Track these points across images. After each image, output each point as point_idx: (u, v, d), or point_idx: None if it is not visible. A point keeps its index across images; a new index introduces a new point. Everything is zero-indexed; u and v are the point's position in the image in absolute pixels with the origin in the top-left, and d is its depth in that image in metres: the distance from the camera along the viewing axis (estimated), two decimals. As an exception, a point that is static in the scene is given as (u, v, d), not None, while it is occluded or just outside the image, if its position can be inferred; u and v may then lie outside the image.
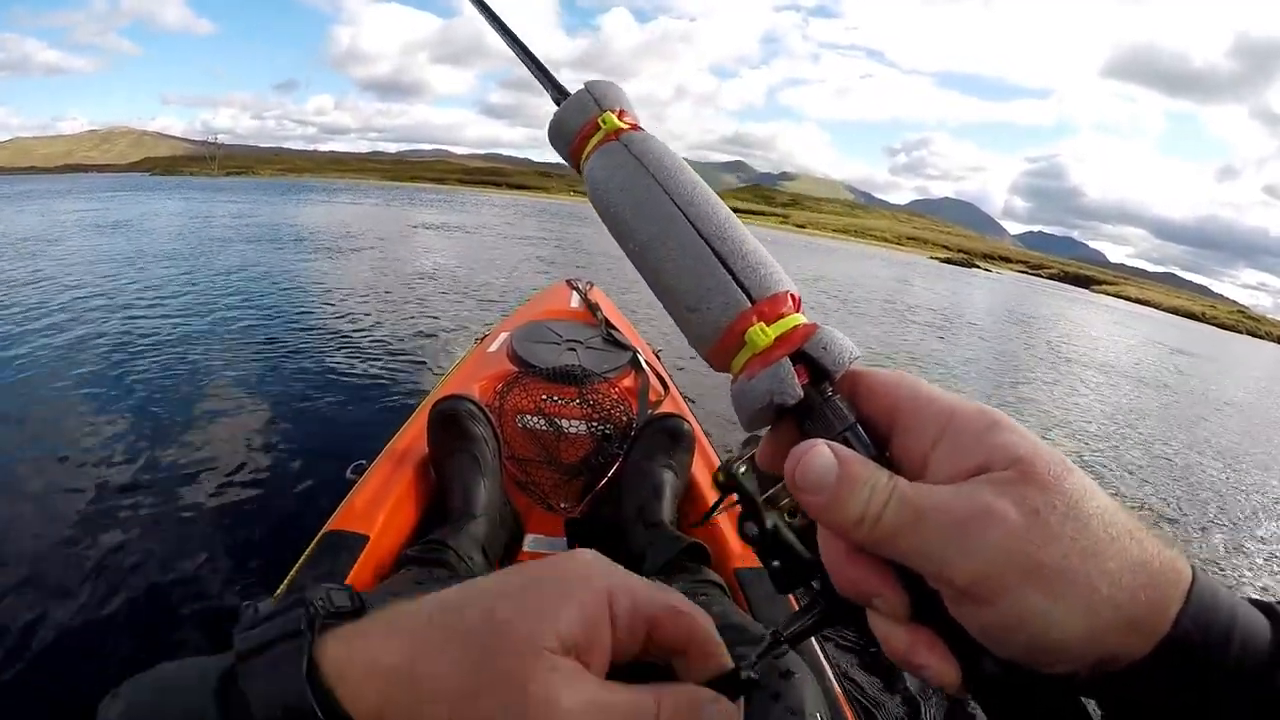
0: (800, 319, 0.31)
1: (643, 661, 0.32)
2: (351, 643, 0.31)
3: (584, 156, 0.38)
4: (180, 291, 6.45)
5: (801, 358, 0.29)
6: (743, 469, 0.33)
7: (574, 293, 2.88)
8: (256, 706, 0.29)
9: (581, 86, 0.39)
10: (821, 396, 0.29)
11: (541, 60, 0.43)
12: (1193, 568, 0.24)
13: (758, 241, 0.33)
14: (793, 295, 0.32)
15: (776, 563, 0.32)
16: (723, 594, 1.20)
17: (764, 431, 0.32)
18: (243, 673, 0.31)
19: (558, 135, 0.40)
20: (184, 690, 0.32)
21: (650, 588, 0.32)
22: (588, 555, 0.33)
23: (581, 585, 0.30)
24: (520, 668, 0.27)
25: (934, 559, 0.24)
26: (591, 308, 2.63)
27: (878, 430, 0.29)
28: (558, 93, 0.41)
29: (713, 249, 0.32)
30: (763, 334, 0.30)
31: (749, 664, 0.31)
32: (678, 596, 0.33)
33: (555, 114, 0.40)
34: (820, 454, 0.26)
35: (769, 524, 0.31)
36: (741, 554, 1.37)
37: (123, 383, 3.86)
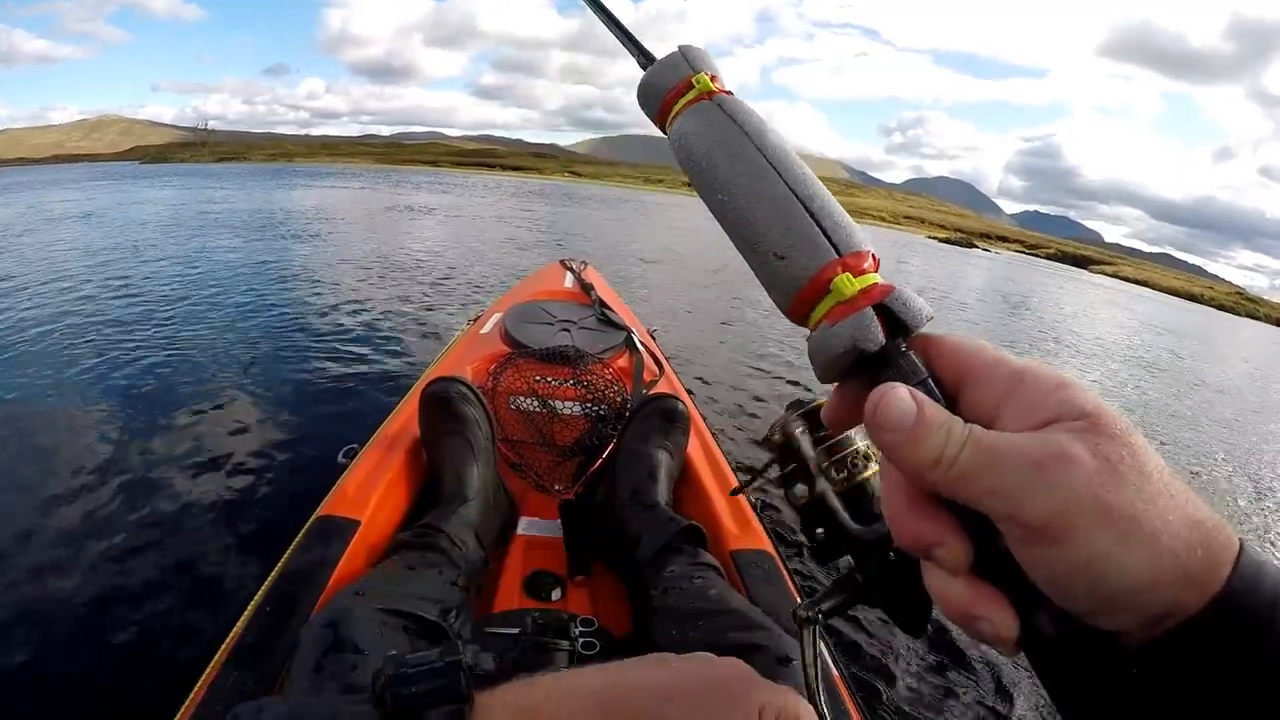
0: (879, 277, 0.32)
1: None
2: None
3: (673, 114, 0.39)
4: (165, 279, 6.38)
5: (882, 311, 0.30)
6: (800, 428, 0.35)
7: (568, 273, 2.86)
8: None
9: (675, 50, 0.41)
10: (897, 350, 0.30)
11: (626, 26, 0.44)
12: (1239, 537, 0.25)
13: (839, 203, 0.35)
14: (873, 255, 0.33)
15: (820, 530, 0.34)
16: (719, 576, 1.19)
17: (809, 406, 0.36)
18: None
19: (648, 94, 0.41)
20: None
21: (788, 696, 0.36)
22: (745, 670, 0.36)
23: (744, 701, 0.34)
24: None
25: (1009, 498, 0.24)
26: (585, 288, 2.61)
27: (946, 388, 0.30)
28: (643, 57, 0.43)
29: (802, 204, 0.33)
30: (849, 283, 0.31)
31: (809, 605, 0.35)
32: (800, 703, 0.37)
33: (646, 75, 0.42)
34: (901, 395, 0.27)
35: (818, 487, 0.34)
36: (738, 535, 1.36)
37: (109, 369, 3.83)
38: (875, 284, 0.31)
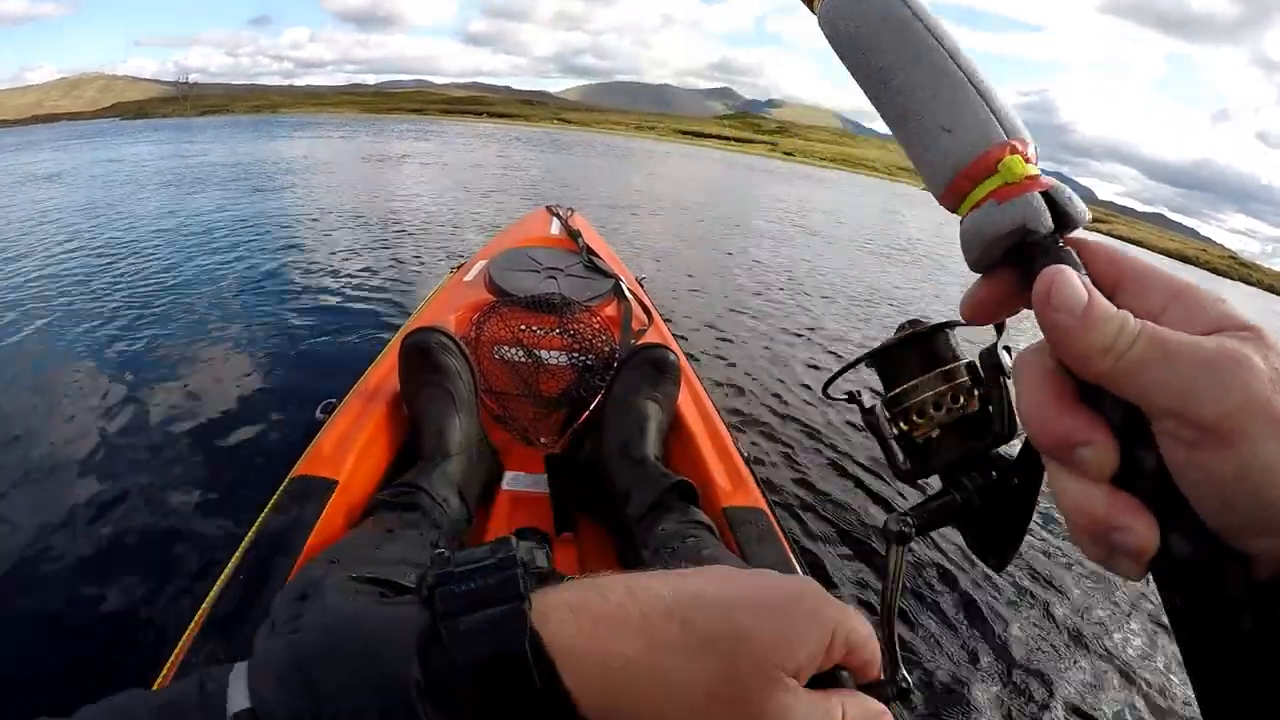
0: (1040, 170, 0.31)
1: None
2: (576, 622, 0.31)
3: None
4: (136, 235, 6.18)
5: (1048, 201, 0.29)
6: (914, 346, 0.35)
7: (554, 219, 2.78)
8: (466, 677, 0.29)
9: None
10: (1055, 243, 0.29)
11: None
12: None
13: None
14: (1034, 146, 0.32)
15: (908, 448, 0.35)
16: (712, 535, 1.15)
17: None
18: (448, 634, 0.30)
19: None
20: (377, 638, 0.31)
21: (855, 619, 0.34)
22: (816, 587, 0.35)
23: (818, 619, 0.33)
24: (762, 689, 0.30)
25: (1181, 394, 0.23)
26: (572, 234, 2.53)
27: (1101, 291, 0.27)
28: None
29: (970, 82, 0.32)
30: (1020, 165, 0.30)
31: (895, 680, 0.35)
32: (864, 624, 0.35)
33: None
34: (1074, 278, 0.26)
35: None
36: (731, 492, 1.32)
37: (77, 326, 3.75)
38: (1039, 175, 0.30)
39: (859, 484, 2.85)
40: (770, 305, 5.56)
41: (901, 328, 0.36)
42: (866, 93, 0.34)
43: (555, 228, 2.69)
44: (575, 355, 1.74)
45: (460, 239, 6.67)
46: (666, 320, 2.17)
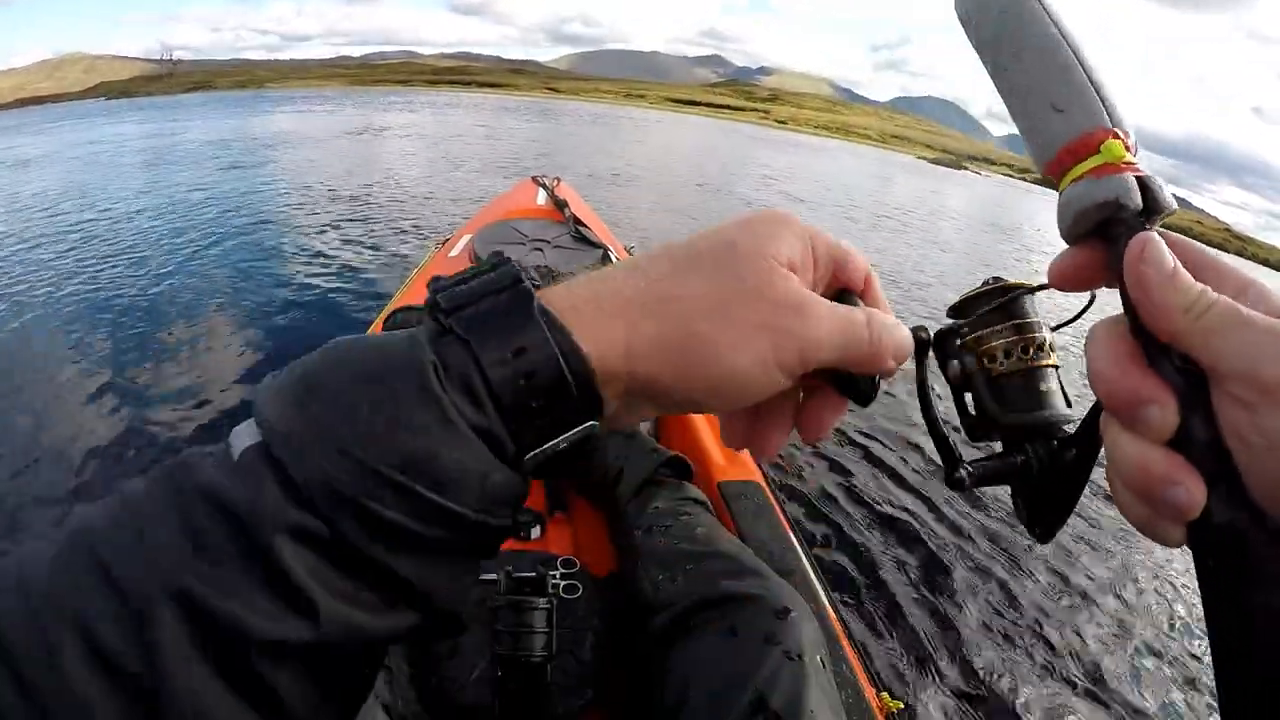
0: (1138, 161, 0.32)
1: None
2: (572, 290, 0.31)
3: None
4: (104, 222, 6.04)
5: (1141, 187, 0.31)
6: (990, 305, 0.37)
7: (540, 189, 2.73)
8: (485, 353, 0.28)
9: None
10: (1141, 226, 0.31)
11: None
12: None
13: None
14: (1136, 142, 0.33)
15: (974, 407, 0.37)
16: (706, 511, 1.11)
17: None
18: (460, 324, 0.29)
19: None
20: (390, 340, 0.29)
21: (830, 236, 0.35)
22: (780, 210, 0.34)
23: (791, 223, 0.33)
24: (767, 275, 0.31)
25: (1249, 358, 0.25)
26: (559, 204, 2.48)
27: None
28: None
29: (1085, 70, 0.34)
30: (1120, 149, 0.32)
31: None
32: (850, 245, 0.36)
33: None
34: (1164, 246, 0.28)
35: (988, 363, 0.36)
36: (725, 466, 1.28)
37: (51, 312, 3.71)
38: (1136, 163, 0.32)
39: (864, 454, 2.84)
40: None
41: (985, 283, 0.38)
42: (990, 72, 0.37)
43: (541, 198, 2.64)
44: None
45: (448, 213, 6.56)
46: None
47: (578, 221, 2.30)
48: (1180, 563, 2.56)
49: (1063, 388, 0.36)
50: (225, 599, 0.24)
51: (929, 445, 2.99)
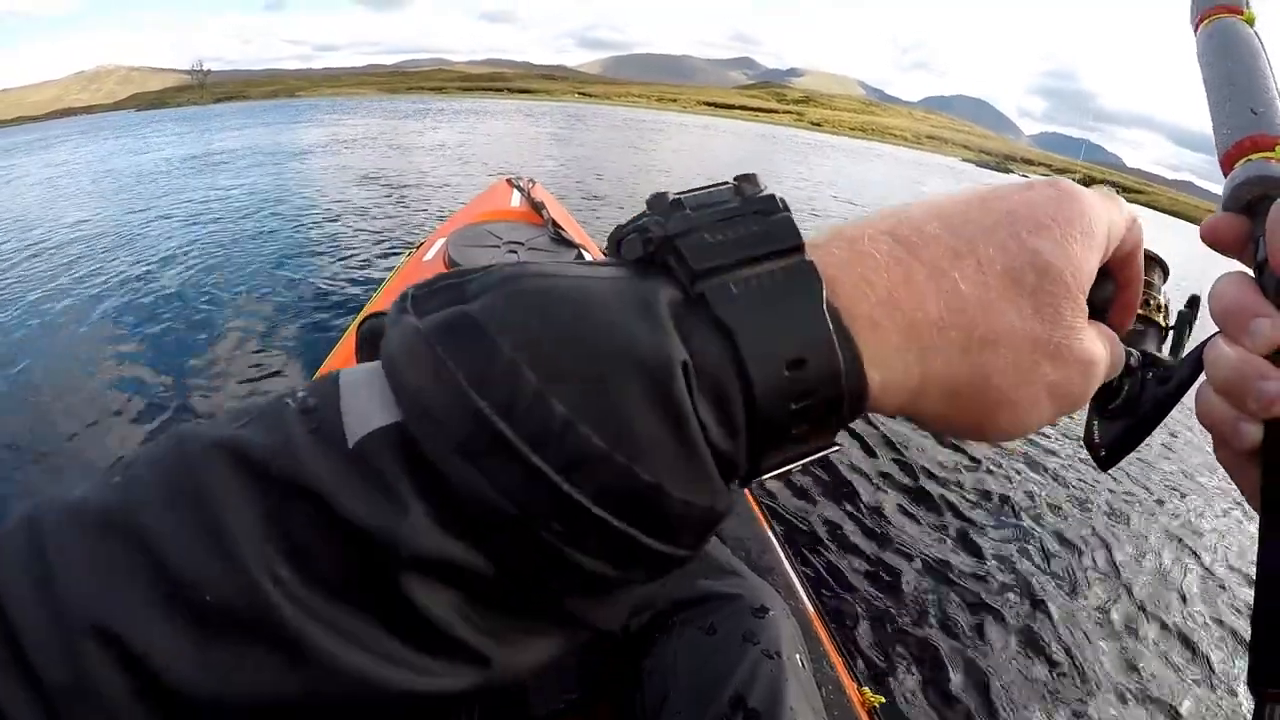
0: None
1: None
2: (867, 278, 0.24)
3: (1208, 20, 0.46)
4: (83, 237, 6.17)
5: None
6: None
7: (515, 191, 2.72)
8: (752, 354, 0.21)
9: None
10: None
11: None
12: None
13: None
14: None
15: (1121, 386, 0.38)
16: None
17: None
18: (722, 299, 0.21)
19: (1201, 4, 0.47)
20: (600, 302, 0.21)
21: (1115, 205, 0.31)
22: (1088, 195, 0.30)
23: (1095, 220, 0.28)
24: (1069, 321, 0.26)
25: None
26: (536, 206, 2.47)
27: None
28: None
29: (1276, 93, 0.40)
30: None
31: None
32: (1121, 208, 0.31)
33: None
34: None
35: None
36: None
37: (39, 314, 3.83)
38: None
39: (842, 451, 2.80)
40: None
41: None
42: (1206, 81, 0.43)
43: (516, 200, 2.64)
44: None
45: (438, 213, 6.65)
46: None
47: (555, 224, 2.30)
48: (1154, 576, 2.53)
49: (1184, 335, 0.40)
50: (348, 649, 0.19)
51: (906, 441, 2.96)
